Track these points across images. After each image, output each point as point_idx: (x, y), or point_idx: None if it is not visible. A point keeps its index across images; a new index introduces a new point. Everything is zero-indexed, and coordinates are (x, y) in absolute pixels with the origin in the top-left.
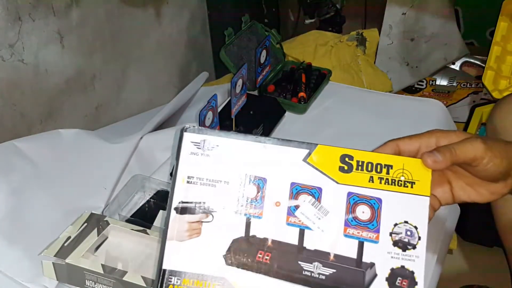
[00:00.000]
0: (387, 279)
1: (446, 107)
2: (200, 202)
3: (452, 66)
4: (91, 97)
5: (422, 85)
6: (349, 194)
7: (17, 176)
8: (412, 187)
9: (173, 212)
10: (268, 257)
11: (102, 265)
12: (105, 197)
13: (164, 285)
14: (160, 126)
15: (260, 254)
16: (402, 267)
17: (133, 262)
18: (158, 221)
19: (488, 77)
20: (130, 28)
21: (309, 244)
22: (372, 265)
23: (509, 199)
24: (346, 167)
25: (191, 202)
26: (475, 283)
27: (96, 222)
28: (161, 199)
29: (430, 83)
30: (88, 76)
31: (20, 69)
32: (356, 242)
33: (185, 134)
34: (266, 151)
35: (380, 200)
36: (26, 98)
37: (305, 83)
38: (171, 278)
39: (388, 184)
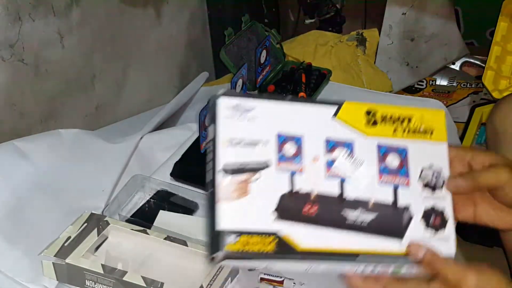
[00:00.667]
0: (422, 219)
1: (446, 107)
2: (244, 163)
3: (452, 66)
4: (91, 97)
5: (422, 85)
6: (379, 145)
7: (18, 176)
8: (431, 134)
9: (219, 174)
10: (314, 209)
11: (102, 265)
12: (105, 197)
13: (219, 246)
14: (160, 126)
15: (307, 207)
16: (433, 207)
17: (133, 262)
18: (158, 221)
19: (488, 77)
20: (130, 28)
21: (349, 194)
22: (407, 207)
23: None
24: (372, 121)
25: (236, 163)
26: None
27: (96, 222)
28: (161, 199)
29: (430, 83)
30: (88, 76)
31: (20, 69)
32: (390, 188)
33: (220, 99)
34: (298, 111)
35: (406, 148)
36: (26, 98)
37: (305, 83)
38: (226, 238)
39: (410, 133)
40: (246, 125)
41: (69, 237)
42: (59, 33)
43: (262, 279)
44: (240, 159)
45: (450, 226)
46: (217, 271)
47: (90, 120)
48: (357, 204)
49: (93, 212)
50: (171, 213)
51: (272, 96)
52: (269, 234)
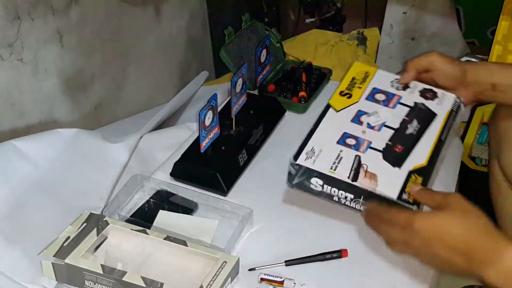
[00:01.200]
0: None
1: None
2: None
3: None
4: (91, 97)
5: None
6: (366, 98)
7: (17, 176)
8: (369, 74)
9: None
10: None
11: (101, 265)
12: (105, 197)
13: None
14: (160, 126)
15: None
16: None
17: (132, 262)
18: (157, 221)
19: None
20: (130, 27)
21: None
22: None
23: (510, 198)
24: (347, 95)
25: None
26: (475, 283)
27: (95, 222)
28: (161, 199)
29: None
30: (87, 75)
31: (20, 69)
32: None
33: None
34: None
35: (374, 87)
36: (26, 97)
37: (305, 83)
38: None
39: (365, 82)
40: None
41: (68, 237)
42: (58, 32)
43: (262, 279)
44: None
45: None
46: (217, 271)
47: (89, 120)
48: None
49: (92, 212)
50: (171, 213)
51: None
52: None
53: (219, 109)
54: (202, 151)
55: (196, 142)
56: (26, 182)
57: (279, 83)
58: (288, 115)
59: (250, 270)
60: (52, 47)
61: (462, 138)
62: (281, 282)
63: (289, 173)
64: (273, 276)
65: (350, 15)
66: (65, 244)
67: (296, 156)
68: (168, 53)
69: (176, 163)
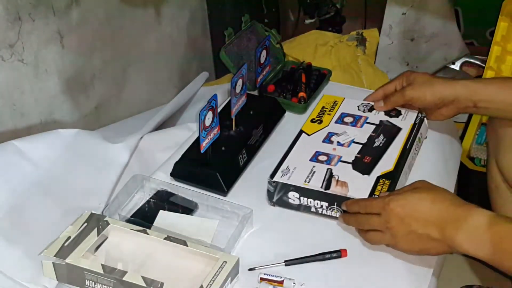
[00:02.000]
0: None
1: None
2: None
3: (452, 66)
4: (91, 97)
5: None
6: (336, 122)
7: (18, 176)
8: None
9: None
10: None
11: (102, 265)
12: (105, 198)
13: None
14: (160, 126)
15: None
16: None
17: (133, 262)
18: (158, 221)
19: (489, 77)
20: (130, 28)
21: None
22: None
23: (509, 199)
24: (317, 121)
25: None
26: (475, 283)
27: (96, 222)
28: (161, 199)
29: None
30: (88, 76)
31: (20, 69)
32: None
33: None
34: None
35: (342, 112)
36: (26, 98)
37: (305, 83)
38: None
39: (334, 109)
40: None
41: (69, 237)
42: (59, 33)
43: (262, 279)
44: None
45: None
46: (217, 271)
47: (90, 120)
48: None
49: (93, 212)
50: (171, 213)
51: None
52: None
53: (219, 109)
54: (202, 151)
55: (196, 143)
56: (27, 182)
57: (279, 83)
58: (288, 116)
59: (250, 270)
60: (53, 48)
61: (461, 138)
62: (281, 282)
63: (268, 191)
64: (273, 276)
65: (349, 16)
66: (65, 244)
67: (273, 175)
68: (168, 54)
69: (176, 164)
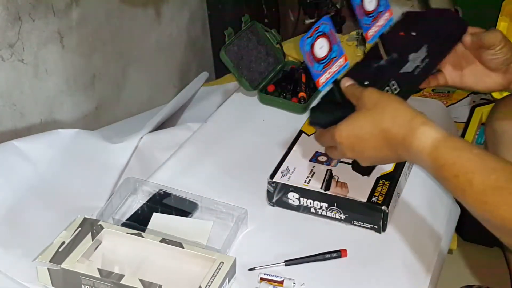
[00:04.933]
0: None
1: (446, 107)
2: None
3: None
4: (91, 97)
5: None
6: None
7: (18, 176)
8: None
9: None
10: None
11: (98, 269)
12: (105, 198)
13: None
14: (160, 126)
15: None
16: None
17: (129, 265)
18: (152, 224)
19: None
20: (130, 28)
21: None
22: None
23: None
24: None
25: None
26: (475, 283)
27: (90, 227)
28: (155, 201)
29: None
30: (88, 76)
31: (20, 69)
32: None
33: None
34: None
35: None
36: (26, 98)
37: (305, 83)
38: None
39: None
40: None
41: (63, 242)
42: (59, 33)
43: (262, 279)
44: None
45: None
46: (214, 272)
47: (90, 120)
48: None
49: (86, 216)
50: (165, 215)
51: None
52: None
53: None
54: (320, 88)
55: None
56: (27, 182)
57: (279, 83)
58: (288, 116)
59: (250, 270)
60: (53, 48)
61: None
62: (281, 282)
63: (268, 192)
64: (273, 276)
65: (349, 16)
66: (60, 249)
67: (273, 175)
68: (168, 54)
69: (312, 109)
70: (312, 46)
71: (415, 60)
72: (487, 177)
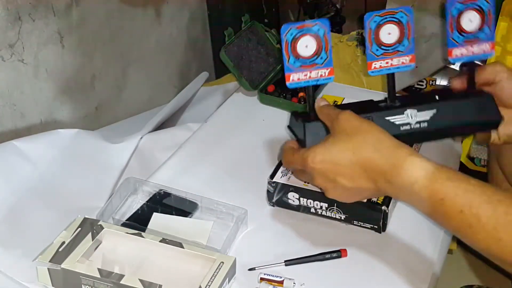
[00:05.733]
0: None
1: None
2: None
3: (452, 66)
4: (91, 97)
5: (422, 85)
6: None
7: (18, 176)
8: None
9: None
10: None
11: (98, 269)
12: (105, 198)
13: None
14: (160, 126)
15: None
16: None
17: (129, 265)
18: (152, 224)
19: None
20: (130, 28)
21: None
22: None
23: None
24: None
25: None
26: (475, 283)
27: (90, 227)
28: (155, 201)
29: (430, 83)
30: (88, 76)
31: (20, 69)
32: None
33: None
34: None
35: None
36: (26, 98)
37: None
38: None
39: None
40: None
41: (63, 242)
42: (59, 33)
43: (262, 279)
44: None
45: None
46: (214, 272)
47: (90, 120)
48: None
49: (86, 216)
50: (165, 215)
51: None
52: None
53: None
54: (288, 85)
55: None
56: (27, 182)
57: (279, 83)
58: (288, 116)
59: (250, 270)
60: (53, 48)
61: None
62: (281, 282)
63: (268, 192)
64: (273, 276)
65: (349, 16)
66: (60, 249)
67: (273, 175)
68: (168, 54)
69: (293, 113)
70: (295, 40)
71: (411, 117)
72: (495, 210)
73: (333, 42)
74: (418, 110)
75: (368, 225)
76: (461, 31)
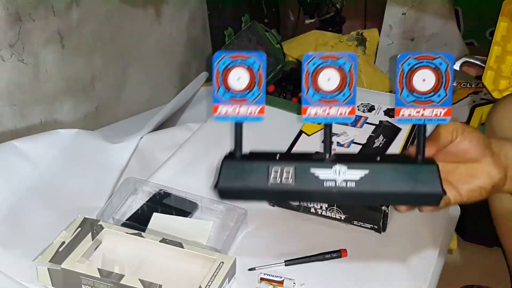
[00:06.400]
0: None
1: None
2: None
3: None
4: (91, 97)
5: None
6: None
7: (18, 176)
8: None
9: None
10: None
11: (98, 269)
12: (105, 198)
13: None
14: (160, 126)
15: None
16: None
17: (129, 265)
18: (152, 224)
19: (488, 77)
20: (130, 28)
21: None
22: None
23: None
24: None
25: None
26: (475, 283)
27: (90, 227)
28: (155, 201)
29: None
30: (88, 76)
31: (20, 69)
32: None
33: None
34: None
35: None
36: (26, 98)
37: None
38: None
39: None
40: None
41: (63, 242)
42: (59, 33)
43: (262, 279)
44: None
45: None
46: (214, 272)
47: (90, 120)
48: None
49: (86, 216)
50: (165, 215)
51: None
52: None
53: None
54: (215, 117)
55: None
56: (27, 182)
57: (279, 83)
58: (288, 116)
59: (250, 270)
60: (53, 48)
61: None
62: (281, 282)
63: None
64: (273, 276)
65: (349, 16)
66: (60, 249)
67: None
68: (168, 54)
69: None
70: (227, 70)
71: (339, 173)
72: None
73: (333, 42)
74: (348, 168)
75: (368, 225)
76: (412, 90)
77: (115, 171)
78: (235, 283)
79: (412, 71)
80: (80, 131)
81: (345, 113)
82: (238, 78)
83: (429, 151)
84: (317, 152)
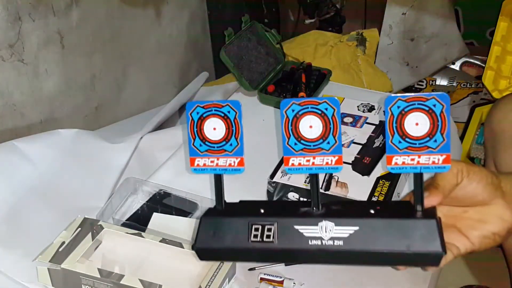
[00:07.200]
0: None
1: None
2: None
3: (452, 66)
4: (91, 97)
5: (422, 85)
6: None
7: (17, 176)
8: None
9: None
10: None
11: (98, 269)
12: (105, 198)
13: None
14: (160, 126)
15: None
16: None
17: (129, 265)
18: (152, 224)
19: (488, 77)
20: (130, 28)
21: None
22: None
23: None
24: None
25: None
26: (475, 283)
27: (90, 227)
28: (155, 201)
29: (430, 83)
30: (88, 76)
31: (20, 69)
32: None
33: None
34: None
35: None
36: (26, 98)
37: (305, 83)
38: None
39: None
40: None
41: (63, 242)
42: (59, 33)
43: (262, 279)
44: None
45: None
46: (214, 272)
47: (90, 120)
48: None
49: (86, 216)
50: (165, 215)
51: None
52: None
53: None
54: (192, 170)
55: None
56: (27, 182)
57: (279, 83)
58: None
59: (250, 270)
60: (53, 48)
61: (461, 138)
62: (281, 282)
63: (268, 192)
64: (273, 276)
65: (349, 16)
66: (60, 249)
67: (273, 175)
68: (168, 54)
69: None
70: (202, 120)
71: (325, 230)
72: None
73: (333, 42)
74: (336, 224)
75: None
76: (404, 135)
77: (115, 171)
78: (235, 283)
79: (403, 114)
80: (80, 131)
81: (331, 162)
82: (214, 129)
83: (433, 201)
84: (305, 201)
